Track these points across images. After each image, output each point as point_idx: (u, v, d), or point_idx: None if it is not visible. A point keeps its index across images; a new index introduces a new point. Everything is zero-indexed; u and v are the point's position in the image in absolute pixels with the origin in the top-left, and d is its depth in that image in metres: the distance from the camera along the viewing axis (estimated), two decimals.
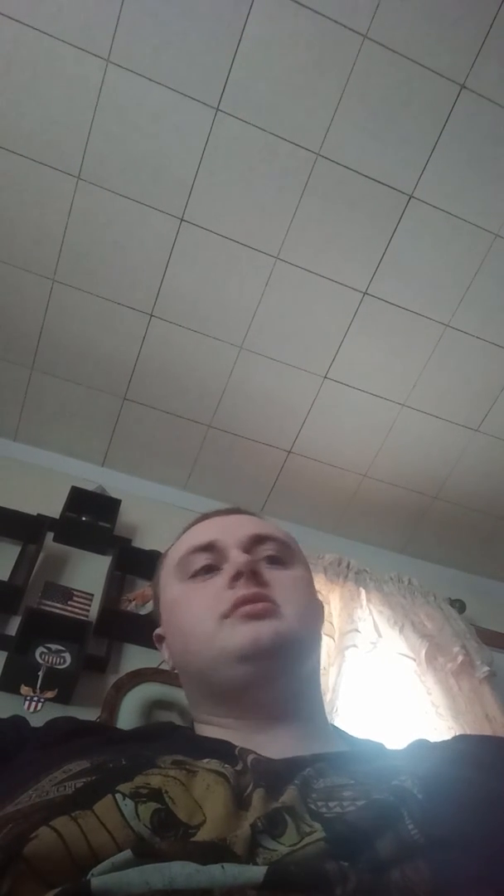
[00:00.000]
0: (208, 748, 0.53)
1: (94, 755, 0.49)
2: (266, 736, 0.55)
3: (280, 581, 0.63)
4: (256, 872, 0.36)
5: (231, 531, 0.67)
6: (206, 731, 0.60)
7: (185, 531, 0.74)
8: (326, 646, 1.81)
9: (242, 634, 0.57)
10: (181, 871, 0.35)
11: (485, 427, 2.19)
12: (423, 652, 1.90)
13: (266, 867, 0.36)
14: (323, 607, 0.73)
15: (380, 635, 1.93)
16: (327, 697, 1.65)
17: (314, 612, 0.66)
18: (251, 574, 0.61)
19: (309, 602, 0.65)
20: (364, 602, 2.02)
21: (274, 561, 0.66)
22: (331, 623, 1.90)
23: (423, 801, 0.43)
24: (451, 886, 0.37)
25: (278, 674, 0.58)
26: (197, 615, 0.61)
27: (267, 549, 0.67)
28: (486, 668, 1.92)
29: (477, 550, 2.48)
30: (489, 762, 0.53)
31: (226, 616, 0.59)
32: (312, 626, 0.64)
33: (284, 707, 0.59)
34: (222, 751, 0.52)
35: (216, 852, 0.37)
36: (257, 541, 0.67)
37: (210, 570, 0.65)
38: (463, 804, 0.44)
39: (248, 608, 0.58)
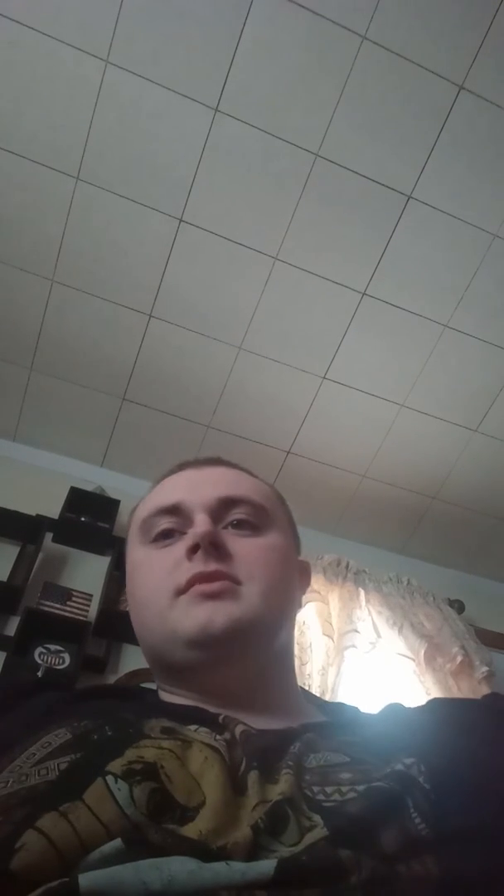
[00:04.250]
0: (186, 714, 0.49)
1: (71, 720, 0.45)
2: (235, 713, 0.50)
3: (246, 552, 0.57)
4: (266, 867, 0.33)
5: (200, 491, 0.61)
6: (172, 699, 0.56)
7: (157, 482, 0.68)
8: (326, 646, 1.82)
9: (193, 617, 0.52)
10: (181, 869, 0.32)
11: (483, 427, 2.20)
12: (422, 652, 1.90)
13: (276, 861, 0.33)
14: (306, 571, 0.68)
15: (379, 636, 1.93)
16: (326, 698, 1.65)
17: (286, 585, 0.60)
18: (210, 547, 0.55)
19: (280, 574, 0.59)
20: (363, 602, 2.02)
21: (244, 526, 0.60)
22: (330, 623, 1.90)
23: (430, 791, 0.40)
24: (459, 882, 0.35)
25: (234, 660, 0.53)
26: (152, 587, 0.57)
27: (238, 513, 0.60)
28: (484, 669, 1.92)
29: (476, 551, 2.48)
30: (485, 730, 0.50)
31: (181, 592, 0.54)
32: (281, 603, 0.58)
33: (248, 690, 0.54)
34: (204, 718, 0.48)
35: (217, 857, 0.34)
36: (227, 504, 0.61)
37: (172, 534, 0.59)
38: (471, 793, 0.41)
39: (202, 587, 0.53)
